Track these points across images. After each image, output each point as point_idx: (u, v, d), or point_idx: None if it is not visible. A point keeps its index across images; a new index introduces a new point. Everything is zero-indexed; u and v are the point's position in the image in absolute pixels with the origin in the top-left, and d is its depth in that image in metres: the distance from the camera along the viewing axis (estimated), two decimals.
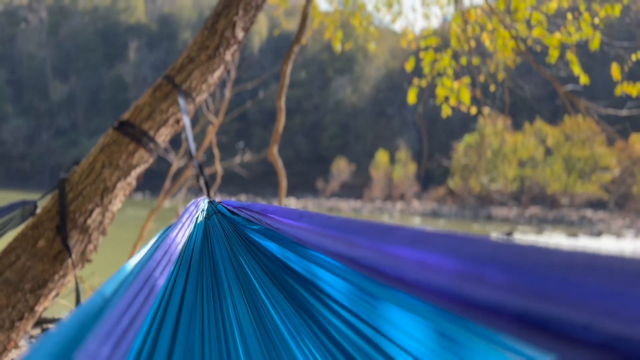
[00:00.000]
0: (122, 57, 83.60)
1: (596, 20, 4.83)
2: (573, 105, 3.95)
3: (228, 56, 2.26)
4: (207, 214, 1.01)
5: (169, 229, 0.84)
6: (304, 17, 2.48)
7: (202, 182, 1.44)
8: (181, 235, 0.84)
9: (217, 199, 1.14)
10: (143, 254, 0.71)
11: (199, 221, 0.97)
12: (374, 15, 6.66)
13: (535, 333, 0.30)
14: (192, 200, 1.01)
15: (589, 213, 41.70)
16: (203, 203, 1.02)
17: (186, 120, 1.83)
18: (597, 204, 44.24)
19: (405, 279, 0.41)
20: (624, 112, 4.18)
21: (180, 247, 0.80)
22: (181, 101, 1.95)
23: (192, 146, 1.71)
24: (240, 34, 2.30)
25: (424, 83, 5.60)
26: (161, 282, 0.64)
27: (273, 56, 79.93)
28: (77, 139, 78.24)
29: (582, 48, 5.07)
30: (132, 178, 1.95)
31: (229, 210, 1.01)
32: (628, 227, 35.35)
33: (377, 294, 0.73)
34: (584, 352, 0.28)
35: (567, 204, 45.85)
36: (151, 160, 2.03)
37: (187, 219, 0.91)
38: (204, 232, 0.99)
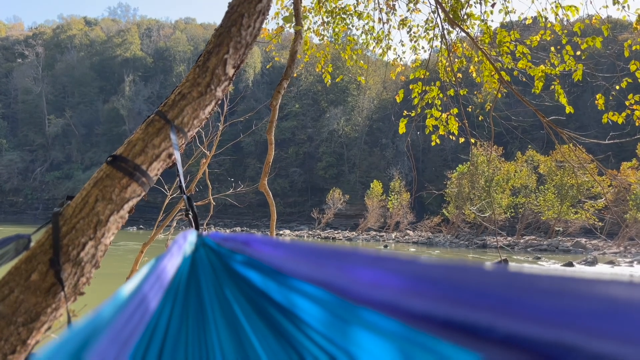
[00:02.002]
0: (118, 90, 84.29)
1: (578, 53, 4.99)
2: (557, 135, 4.04)
3: (219, 92, 2.34)
4: (195, 246, 1.05)
5: (159, 258, 0.89)
6: (292, 54, 2.58)
7: (191, 216, 1.49)
8: (170, 266, 0.88)
9: (207, 231, 1.18)
10: (136, 280, 0.75)
11: (186, 254, 1.01)
12: (364, 48, 6.82)
13: (460, 335, 0.36)
14: (181, 233, 1.05)
15: (583, 240, 41.73)
16: (191, 236, 1.06)
17: (177, 155, 1.89)
18: (591, 231, 44.33)
19: (363, 296, 0.47)
20: (607, 142, 4.28)
21: (169, 276, 0.85)
22: (173, 136, 2.02)
23: (182, 180, 1.77)
24: (231, 71, 2.38)
25: (413, 114, 5.72)
26: (153, 305, 0.68)
27: (267, 88, 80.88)
28: (71, 172, 78.19)
29: (571, 77, 5.21)
30: (125, 211, 2.00)
31: (215, 242, 1.05)
32: (622, 254, 35.38)
33: (347, 317, 0.77)
34: (497, 350, 0.33)
35: (562, 231, 45.93)
36: (143, 193, 2.08)
37: (175, 251, 0.95)
38: (191, 265, 1.02)
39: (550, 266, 24.40)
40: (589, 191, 42.87)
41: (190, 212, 1.50)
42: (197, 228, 1.41)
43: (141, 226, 55.78)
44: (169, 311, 0.95)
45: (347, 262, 0.52)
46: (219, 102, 2.44)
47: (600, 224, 42.85)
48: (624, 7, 4.78)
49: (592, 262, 28.33)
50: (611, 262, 29.25)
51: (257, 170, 67.93)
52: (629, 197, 40.39)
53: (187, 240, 1.03)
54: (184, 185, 1.76)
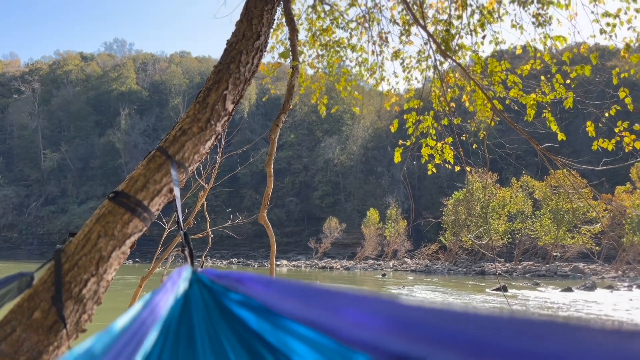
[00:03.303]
0: (114, 124, 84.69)
1: (568, 81, 5.09)
2: (551, 161, 4.10)
3: (219, 127, 2.38)
4: (189, 283, 1.05)
5: (153, 294, 0.90)
6: (290, 88, 2.63)
7: (186, 252, 1.50)
8: (164, 302, 0.89)
9: (204, 265, 1.20)
10: (129, 315, 0.76)
11: (180, 290, 1.01)
12: (358, 80, 6.93)
13: None
14: (176, 269, 1.06)
15: (581, 265, 41.61)
16: (186, 272, 1.06)
17: (177, 191, 1.91)
18: (588, 256, 44.24)
19: (349, 335, 0.49)
20: (600, 168, 4.34)
21: (162, 312, 0.85)
22: (173, 172, 2.05)
23: (180, 216, 1.79)
24: (230, 106, 2.43)
25: (408, 143, 5.78)
26: (144, 340, 0.70)
27: (262, 119, 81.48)
28: (66, 206, 77.85)
29: (563, 104, 5.30)
30: (127, 247, 2.02)
31: (209, 279, 1.05)
32: (620, 278, 35.26)
33: None
34: None
35: (559, 256, 45.81)
36: (145, 229, 2.10)
37: (169, 287, 0.95)
38: (184, 302, 1.03)
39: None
40: (585, 216, 42.97)
41: (186, 248, 1.52)
42: (192, 264, 1.42)
43: (137, 259, 55.31)
44: (160, 347, 0.96)
45: (333, 302, 0.55)
46: (219, 136, 2.49)
47: (597, 248, 42.81)
48: (610, 36, 4.90)
49: (591, 287, 28.19)
50: (610, 287, 29.11)
51: (254, 201, 67.87)
52: (625, 221, 40.47)
53: (182, 276, 1.03)
54: (181, 220, 1.78)
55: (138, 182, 2.11)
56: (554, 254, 45.64)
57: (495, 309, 0.43)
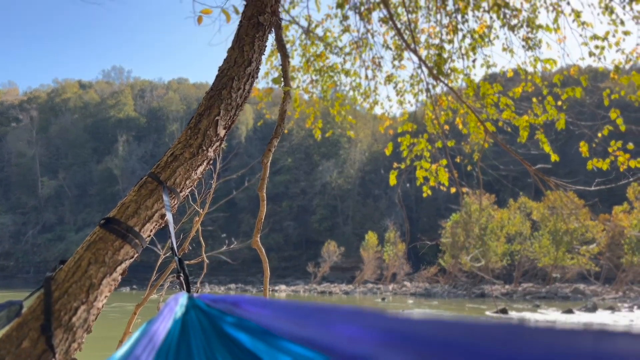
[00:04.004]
0: (111, 150, 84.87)
1: (560, 103, 5.15)
2: (544, 182, 4.12)
3: (211, 153, 2.40)
4: (186, 308, 1.06)
5: (150, 322, 0.90)
6: (282, 113, 2.66)
7: (182, 278, 1.50)
8: (161, 329, 0.90)
9: (200, 291, 1.20)
10: (128, 344, 0.77)
11: (177, 316, 1.02)
12: (352, 104, 7.00)
13: None
14: (172, 295, 1.07)
15: (581, 286, 41.36)
16: (182, 298, 1.07)
17: (169, 217, 1.92)
18: (588, 277, 44.02)
19: (344, 350, 0.49)
20: (593, 188, 4.36)
21: (160, 339, 0.86)
22: (165, 198, 2.05)
23: (174, 242, 1.79)
24: (222, 132, 2.45)
25: (403, 166, 5.80)
26: None
27: (259, 144, 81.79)
28: (63, 234, 77.45)
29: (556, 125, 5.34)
30: (118, 274, 2.01)
31: (206, 303, 1.07)
32: (621, 299, 35.04)
33: None
34: None
35: (559, 278, 45.57)
36: (136, 255, 2.10)
37: (167, 313, 0.96)
38: (182, 327, 1.04)
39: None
40: (583, 236, 42.90)
41: (181, 274, 1.51)
42: (188, 290, 1.42)
43: (134, 286, 54.84)
44: None
45: (327, 318, 0.56)
46: (211, 161, 2.50)
47: (597, 269, 42.64)
48: (600, 58, 4.98)
49: (592, 309, 27.98)
50: (611, 308, 28.90)
51: (251, 226, 67.62)
52: (624, 241, 40.41)
53: (178, 302, 1.05)
54: (175, 246, 1.78)
55: (129, 208, 2.11)
56: (554, 275, 45.40)
57: (492, 319, 0.43)
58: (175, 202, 2.30)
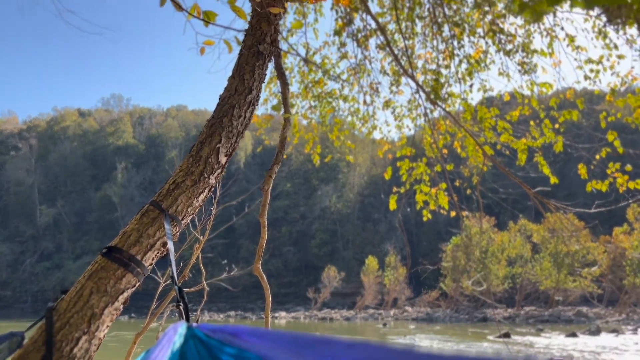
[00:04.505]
0: (110, 178, 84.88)
1: (557, 125, 5.19)
2: (544, 205, 4.13)
3: (212, 180, 2.41)
4: (184, 338, 1.05)
5: (149, 351, 0.89)
6: (282, 140, 2.68)
7: (182, 307, 1.49)
8: (160, 359, 0.89)
9: (200, 319, 1.20)
10: None
11: (175, 347, 1.01)
12: (351, 129, 7.05)
13: None
14: (171, 325, 1.06)
15: (584, 309, 40.98)
16: (181, 328, 1.06)
17: (170, 245, 1.92)
18: (591, 300, 43.65)
19: None
20: (593, 210, 4.37)
21: None
22: (167, 226, 2.05)
23: (174, 271, 1.78)
24: (223, 159, 2.46)
25: (402, 190, 5.81)
26: None
27: (258, 169, 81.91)
28: (61, 262, 76.91)
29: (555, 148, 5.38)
30: (120, 303, 2.00)
31: (204, 333, 1.06)
32: (625, 321, 34.68)
33: None
34: None
35: (562, 300, 45.18)
36: (138, 284, 2.09)
37: (165, 343, 0.95)
38: (180, 358, 1.02)
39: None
40: (585, 258, 42.67)
41: (181, 304, 1.51)
42: (187, 319, 1.41)
43: (133, 314, 54.23)
44: None
45: (328, 350, 0.57)
46: (213, 189, 2.51)
47: (599, 291, 42.31)
48: (595, 81, 5.04)
49: (596, 332, 27.68)
50: (615, 331, 28.59)
51: (251, 252, 67.26)
52: (625, 262, 40.19)
53: (177, 332, 1.04)
54: (175, 274, 1.77)
55: (131, 236, 2.11)
56: (557, 298, 45.02)
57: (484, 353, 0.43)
58: (177, 230, 2.30)
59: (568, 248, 36.70)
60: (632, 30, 4.58)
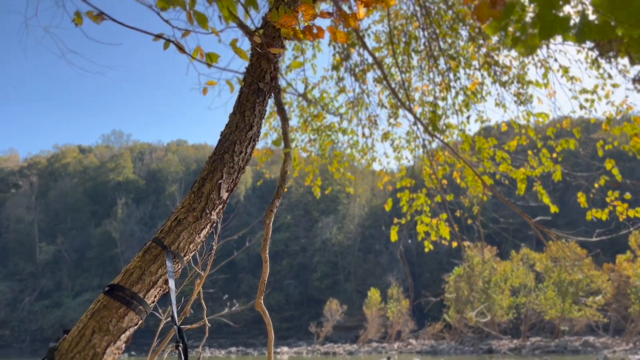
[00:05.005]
0: (110, 213, 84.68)
1: (555, 155, 5.24)
2: (545, 234, 4.13)
3: (214, 216, 2.42)
4: None
5: None
6: (283, 174, 2.70)
7: (181, 348, 1.49)
8: None
9: (201, 357, 1.19)
10: None
11: None
12: (350, 161, 7.10)
13: None
14: None
15: (591, 339, 40.33)
16: None
17: (171, 283, 1.92)
18: (597, 329, 43.01)
19: None
20: (594, 239, 4.36)
21: None
22: (169, 263, 2.06)
23: (174, 310, 1.78)
24: (225, 195, 2.48)
25: (403, 221, 5.82)
26: None
27: (259, 202, 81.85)
28: (60, 300, 76.04)
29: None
30: (122, 342, 1.99)
31: None
32: (633, 350, 34.09)
33: None
34: None
35: (568, 330, 44.48)
36: (140, 322, 2.08)
37: None
38: None
39: None
40: (589, 287, 42.22)
41: (180, 344, 1.50)
42: None
43: (132, 352, 53.30)
44: None
45: None
46: (214, 224, 2.52)
47: (605, 320, 41.72)
48: (590, 111, 5.11)
49: None
50: None
51: (252, 286, 66.59)
52: (630, 290, 39.76)
53: None
54: (176, 313, 1.77)
55: (134, 274, 2.11)
56: (562, 328, 44.35)
57: None
58: (179, 267, 2.31)
59: (570, 277, 36.38)
60: (624, 61, 4.66)
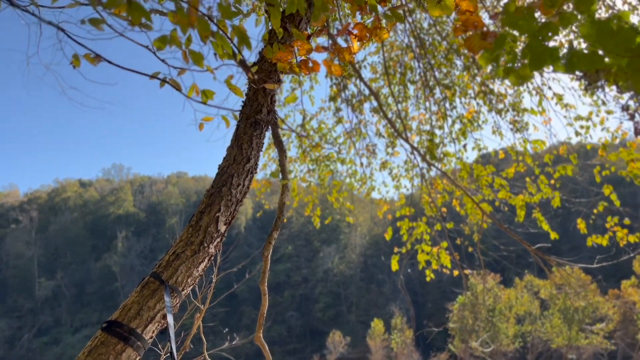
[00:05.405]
0: (110, 247, 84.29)
1: (553, 181, 5.26)
2: (545, 261, 4.12)
3: (212, 249, 2.42)
4: None
5: None
6: (281, 206, 2.71)
7: None
8: None
9: None
10: None
11: None
12: (349, 190, 7.12)
13: None
14: None
15: None
16: None
17: (169, 319, 1.91)
18: (604, 357, 42.26)
19: None
20: (595, 265, 4.34)
21: None
22: (167, 298, 2.05)
23: (173, 347, 1.77)
24: (222, 228, 2.49)
25: (404, 250, 5.80)
26: None
27: (259, 232, 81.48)
28: (59, 336, 74.96)
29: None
30: None
31: None
32: None
33: None
34: None
35: (576, 358, 43.69)
36: (139, 358, 2.06)
37: None
38: None
39: None
40: (595, 314, 41.68)
41: None
42: None
43: None
44: None
45: None
46: (213, 257, 2.52)
47: (613, 347, 41.05)
48: (586, 137, 5.15)
49: None
50: None
51: (253, 319, 65.67)
52: (636, 316, 39.25)
53: None
54: (175, 350, 1.76)
55: (131, 309, 2.10)
56: (570, 356, 43.56)
57: None
58: (178, 301, 2.29)
59: (574, 304, 35.98)
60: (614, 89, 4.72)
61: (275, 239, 2.78)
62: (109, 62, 1.67)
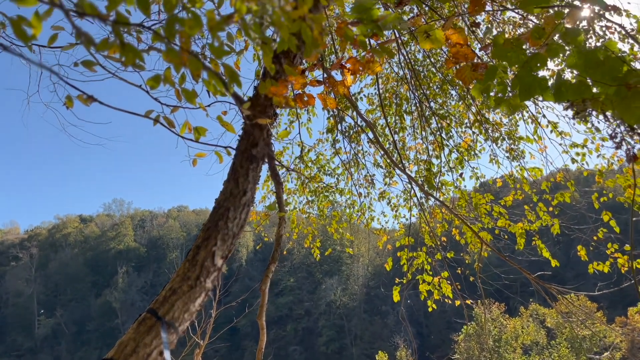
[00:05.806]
0: (111, 283, 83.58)
1: (551, 208, 5.26)
2: (546, 290, 4.09)
3: (209, 284, 2.41)
4: None
5: None
6: (278, 239, 2.72)
7: None
8: None
9: None
10: None
11: None
12: (348, 221, 7.11)
13: None
14: None
15: None
16: None
17: (167, 355, 1.89)
18: None
19: None
20: (597, 293, 4.31)
21: None
22: (163, 334, 2.04)
23: None
24: (219, 262, 2.48)
25: (405, 281, 5.76)
26: None
27: (261, 265, 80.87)
28: None
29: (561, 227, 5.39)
30: None
31: None
32: None
33: None
34: None
35: None
36: None
37: None
38: None
39: None
40: (603, 342, 40.99)
41: None
42: None
43: None
44: None
45: None
46: (210, 292, 2.50)
47: None
48: (582, 164, 5.18)
49: None
50: None
51: (255, 354, 64.50)
52: None
53: None
54: None
55: (128, 347, 2.08)
56: None
57: None
58: (174, 338, 2.27)
59: (579, 332, 35.42)
60: (608, 112, 4.77)
61: (272, 272, 2.77)
62: (101, 102, 1.71)
